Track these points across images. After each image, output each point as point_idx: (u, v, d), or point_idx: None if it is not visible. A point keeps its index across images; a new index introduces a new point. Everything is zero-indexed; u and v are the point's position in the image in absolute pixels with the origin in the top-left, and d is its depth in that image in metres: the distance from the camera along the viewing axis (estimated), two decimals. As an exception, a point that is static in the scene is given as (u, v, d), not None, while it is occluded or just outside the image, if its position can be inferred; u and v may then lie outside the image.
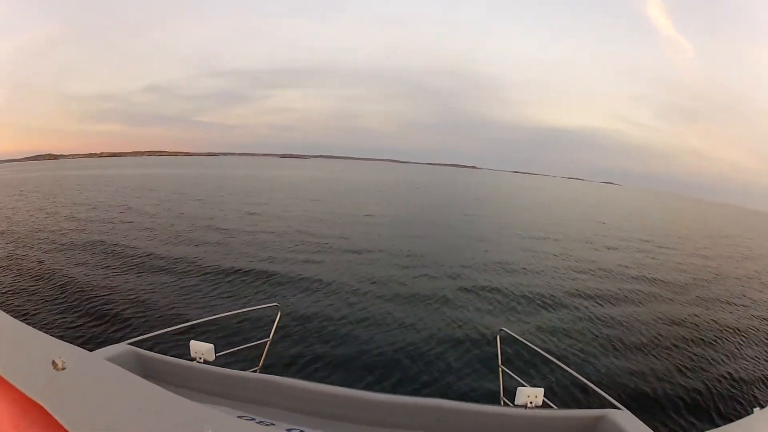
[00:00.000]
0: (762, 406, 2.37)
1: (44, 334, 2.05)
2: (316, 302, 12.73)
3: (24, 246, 18.84)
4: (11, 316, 2.11)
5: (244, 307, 5.35)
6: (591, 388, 3.82)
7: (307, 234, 23.62)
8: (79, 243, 19.54)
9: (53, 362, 1.69)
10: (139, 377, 1.88)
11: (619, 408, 3.14)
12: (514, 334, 5.12)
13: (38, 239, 20.26)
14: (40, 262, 16.21)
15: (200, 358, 3.64)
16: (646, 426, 2.84)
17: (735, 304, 16.87)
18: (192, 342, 3.73)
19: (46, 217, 27.12)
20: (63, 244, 19.23)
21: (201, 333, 8.67)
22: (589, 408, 3.16)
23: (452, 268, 18.04)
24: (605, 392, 3.60)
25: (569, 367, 4.35)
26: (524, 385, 3.50)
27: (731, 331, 13.66)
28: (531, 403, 3.31)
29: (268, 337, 4.86)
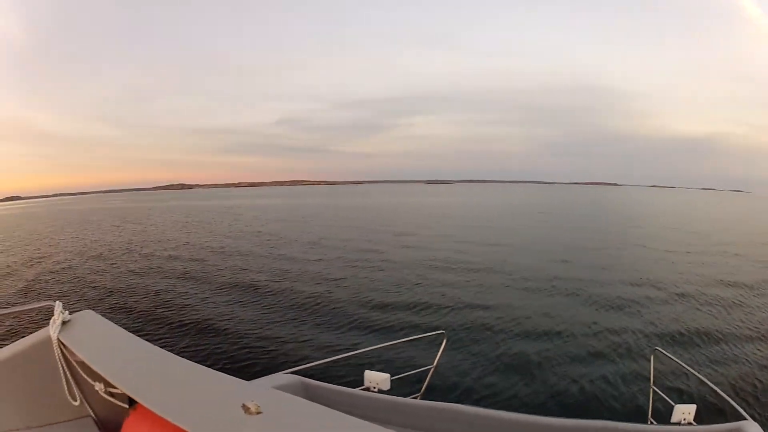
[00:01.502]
0: None
1: (206, 368, 2.18)
2: (481, 329, 12.64)
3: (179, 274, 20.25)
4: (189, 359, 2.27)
5: (409, 335, 5.42)
6: (728, 402, 3.75)
7: (470, 260, 23.40)
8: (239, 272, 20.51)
9: (244, 406, 1.70)
10: (338, 411, 1.84)
11: (747, 419, 3.13)
12: (668, 354, 5.12)
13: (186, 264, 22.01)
14: (189, 292, 17.16)
15: (374, 387, 3.77)
16: None
17: None
18: (367, 372, 3.88)
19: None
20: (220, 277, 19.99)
21: (361, 361, 8.97)
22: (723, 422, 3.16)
23: (608, 287, 17.56)
24: (737, 403, 3.56)
25: (713, 382, 4.32)
26: (673, 405, 3.52)
27: None
28: (684, 420, 3.36)
29: (432, 363, 4.86)
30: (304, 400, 1.98)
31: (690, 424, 3.38)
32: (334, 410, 1.84)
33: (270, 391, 2.06)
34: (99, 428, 2.78)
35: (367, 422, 1.74)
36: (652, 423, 4.40)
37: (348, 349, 5.44)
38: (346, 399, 3.43)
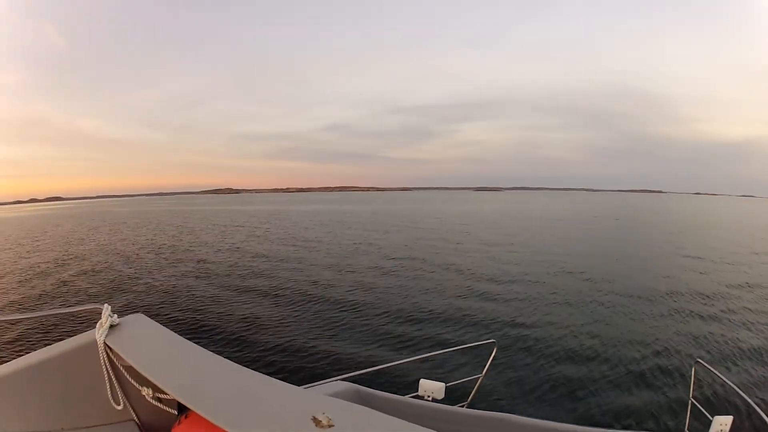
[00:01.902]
0: None
1: (266, 377, 2.18)
2: (530, 340, 12.70)
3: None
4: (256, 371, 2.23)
5: (460, 344, 5.48)
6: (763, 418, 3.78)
7: (520, 269, 23.55)
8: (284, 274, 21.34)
9: (314, 419, 1.70)
10: (404, 421, 1.85)
11: None
12: (709, 367, 5.02)
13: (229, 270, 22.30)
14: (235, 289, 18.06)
15: (428, 396, 3.75)
16: None
17: None
18: (422, 380, 3.87)
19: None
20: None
21: (411, 369, 9.06)
22: None
23: (649, 298, 17.53)
24: None
25: (753, 400, 4.41)
26: (711, 418, 3.64)
27: None
28: (721, 431, 3.42)
29: (482, 372, 4.88)
30: (373, 410, 1.94)
31: None
32: (402, 420, 1.85)
33: (339, 402, 2.00)
34: None
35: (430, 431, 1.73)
36: None
37: (398, 358, 5.55)
38: (398, 407, 3.42)
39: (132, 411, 2.85)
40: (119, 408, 2.80)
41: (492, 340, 5.15)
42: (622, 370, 10.76)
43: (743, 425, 7.44)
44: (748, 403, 4.24)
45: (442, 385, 3.78)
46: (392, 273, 21.77)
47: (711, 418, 3.71)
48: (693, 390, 5.08)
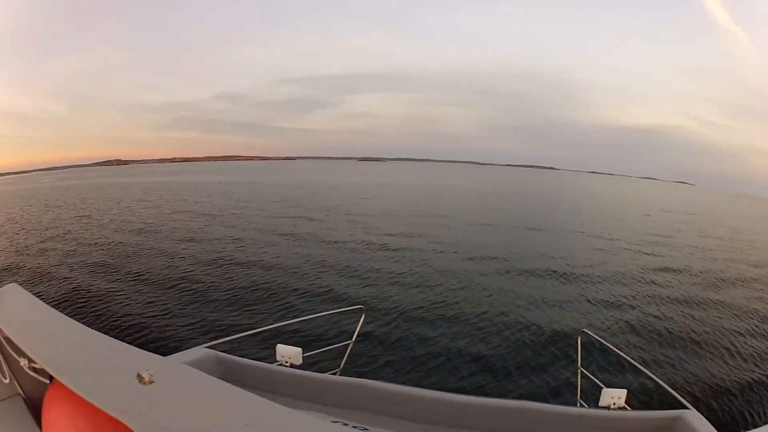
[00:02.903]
0: None
1: (123, 344, 2.15)
2: (400, 304, 12.77)
3: (87, 250, 19.77)
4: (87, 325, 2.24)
5: (328, 310, 5.33)
6: (665, 389, 3.85)
7: (392, 236, 23.74)
8: (149, 247, 20.40)
9: (139, 375, 1.74)
10: (231, 384, 1.89)
11: (689, 408, 3.17)
12: (595, 336, 5.12)
13: (99, 244, 21.15)
14: (108, 266, 16.91)
15: (286, 362, 3.68)
16: (714, 428, 2.87)
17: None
18: (279, 346, 3.76)
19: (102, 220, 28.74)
20: (129, 249, 19.98)
21: (281, 336, 8.72)
22: (662, 409, 3.18)
23: (530, 267, 18.04)
24: (678, 393, 3.58)
25: (645, 368, 4.33)
26: (602, 387, 3.47)
27: None
28: (614, 404, 3.30)
29: (351, 339, 4.83)
30: (198, 371, 2.02)
31: (623, 408, 3.34)
32: (223, 381, 1.94)
33: (165, 361, 2.11)
34: (27, 406, 2.61)
35: (248, 392, 1.82)
36: (581, 405, 4.42)
37: (266, 324, 5.34)
38: (257, 373, 3.49)
39: (17, 383, 2.64)
40: (6, 381, 2.61)
41: (360, 306, 5.12)
42: (501, 338, 10.84)
43: (631, 389, 7.49)
44: (636, 367, 4.43)
45: (298, 350, 3.72)
46: (255, 245, 21.17)
47: (601, 386, 3.63)
48: (581, 359, 5.06)
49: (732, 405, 8.53)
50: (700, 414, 3.05)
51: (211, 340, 3.89)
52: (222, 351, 3.62)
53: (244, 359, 3.57)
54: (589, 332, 5.18)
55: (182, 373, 2.01)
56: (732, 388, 9.14)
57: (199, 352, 3.48)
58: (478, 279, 15.95)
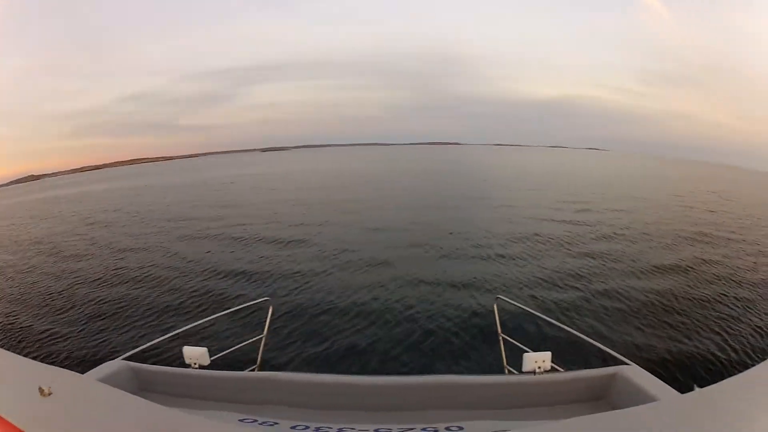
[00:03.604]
0: None
1: (31, 360, 2.19)
2: (308, 293, 12.68)
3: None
4: None
5: (234, 306, 5.25)
6: (598, 347, 3.88)
7: (289, 226, 23.57)
8: (49, 261, 19.34)
9: (39, 388, 1.74)
10: (131, 394, 1.92)
11: (629, 364, 3.21)
12: (511, 301, 5.17)
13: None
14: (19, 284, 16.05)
15: (195, 364, 3.60)
16: (657, 378, 2.90)
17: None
18: (185, 348, 3.67)
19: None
20: (34, 265, 18.90)
21: (196, 338, 8.73)
22: (601, 367, 3.22)
23: (437, 244, 18.28)
24: (614, 350, 3.63)
25: (573, 329, 4.35)
26: (529, 351, 3.45)
27: (731, 280, 14.01)
28: (539, 368, 3.29)
29: (263, 333, 4.81)
30: (100, 383, 2.12)
31: (552, 370, 3.34)
32: (122, 391, 1.98)
33: (69, 374, 2.15)
34: None
35: (145, 400, 1.86)
36: (510, 372, 4.41)
37: (174, 329, 5.22)
38: (169, 379, 3.44)
39: None
40: None
41: (266, 298, 5.28)
42: (417, 316, 10.88)
43: (560, 350, 7.53)
44: (562, 328, 4.53)
45: (204, 350, 3.66)
46: (155, 251, 20.14)
47: (527, 350, 3.54)
48: (500, 326, 5.04)
49: (673, 360, 8.82)
50: (640, 368, 3.08)
51: (127, 351, 3.79)
52: (139, 361, 3.54)
53: (158, 367, 3.52)
54: (504, 298, 5.30)
55: (85, 386, 2.08)
56: (669, 344, 9.47)
57: (115, 365, 3.37)
58: (389, 260, 15.96)
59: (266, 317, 4.88)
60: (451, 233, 20.60)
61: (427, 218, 24.68)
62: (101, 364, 3.42)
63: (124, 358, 3.56)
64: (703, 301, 11.98)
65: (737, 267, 15.44)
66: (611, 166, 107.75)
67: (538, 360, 3.30)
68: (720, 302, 11.90)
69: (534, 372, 3.27)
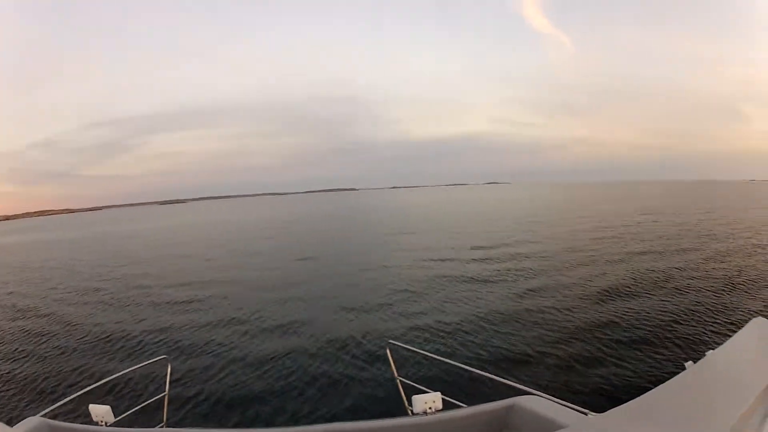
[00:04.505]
0: (694, 361, 2.58)
1: None
2: (206, 347, 12.57)
3: None
4: None
5: (134, 365, 5.19)
6: (498, 380, 3.93)
7: (184, 283, 22.91)
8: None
9: None
10: None
11: (530, 393, 3.28)
12: (403, 345, 5.30)
13: None
14: None
15: (101, 422, 3.58)
16: (562, 404, 3.01)
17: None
18: (91, 406, 3.66)
19: None
20: None
21: (100, 395, 8.67)
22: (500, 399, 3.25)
23: (328, 292, 18.48)
24: (513, 381, 3.71)
25: (470, 365, 4.52)
26: (424, 392, 3.47)
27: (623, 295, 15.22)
28: (430, 408, 3.29)
29: (165, 391, 4.80)
30: None
31: (448, 408, 3.34)
32: None
33: None
34: None
35: None
36: (412, 413, 4.49)
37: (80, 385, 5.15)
38: None
39: None
40: None
41: (164, 356, 5.28)
42: (315, 364, 10.91)
43: (457, 387, 7.76)
44: (452, 365, 4.50)
45: (107, 408, 3.60)
46: (54, 311, 18.87)
47: (426, 390, 3.61)
48: (395, 369, 5.04)
49: (577, 385, 9.05)
50: (542, 396, 3.15)
51: (43, 408, 3.73)
52: (54, 417, 3.46)
53: (72, 424, 3.44)
54: (396, 342, 5.36)
55: None
56: (571, 371, 9.75)
57: (33, 422, 3.31)
58: (283, 313, 15.81)
59: (166, 374, 4.91)
60: (339, 282, 20.68)
61: (316, 269, 24.61)
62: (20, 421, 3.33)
63: (42, 415, 3.48)
64: (600, 326, 12.42)
65: (631, 288, 16.35)
66: (506, 197, 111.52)
67: (428, 401, 3.30)
68: (616, 325, 12.43)
69: (425, 413, 3.26)
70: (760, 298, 14.55)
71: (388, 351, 5.30)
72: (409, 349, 5.18)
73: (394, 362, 5.19)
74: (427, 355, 4.87)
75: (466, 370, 4.34)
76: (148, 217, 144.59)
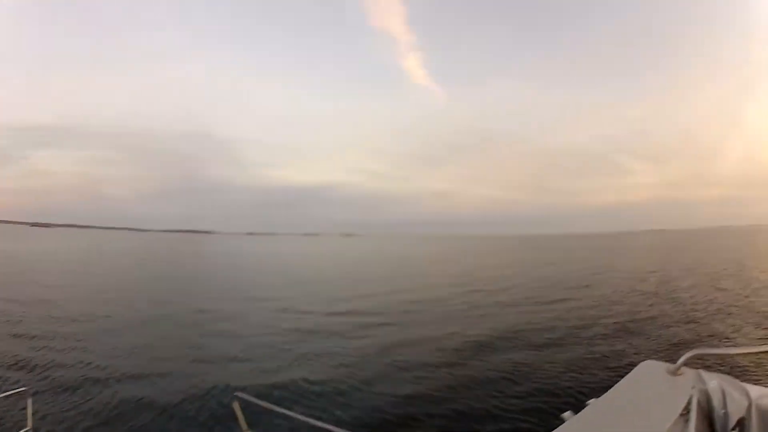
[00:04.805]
0: (575, 411, 2.64)
1: None
2: (69, 383, 12.15)
3: None
4: None
5: None
6: None
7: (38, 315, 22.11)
8: None
9: None
10: None
11: None
12: (249, 398, 4.87)
13: None
14: None
15: None
16: None
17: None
18: None
19: None
20: None
21: None
22: None
23: (171, 342, 17.79)
24: None
25: (319, 420, 4.66)
26: None
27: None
28: None
29: (28, 427, 4.57)
30: None
31: None
32: None
33: None
34: None
35: None
36: None
37: None
38: None
39: None
40: None
41: (23, 388, 5.07)
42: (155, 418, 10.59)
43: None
44: (300, 420, 4.38)
45: None
46: None
47: None
48: (245, 424, 4.82)
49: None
50: None
51: None
52: None
53: None
54: (243, 395, 4.91)
55: None
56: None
57: None
58: (117, 357, 15.33)
59: (26, 408, 4.71)
60: (185, 334, 19.64)
61: (164, 318, 23.24)
62: None
63: None
64: (465, 381, 12.49)
65: (499, 339, 16.92)
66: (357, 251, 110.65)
67: None
68: (485, 377, 12.73)
69: None
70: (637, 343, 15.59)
71: (235, 404, 5.04)
72: (256, 402, 4.63)
73: (242, 416, 4.99)
74: (273, 409, 4.49)
75: (314, 425, 4.41)
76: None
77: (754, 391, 2.87)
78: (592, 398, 2.72)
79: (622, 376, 2.95)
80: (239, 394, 4.94)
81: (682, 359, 3.00)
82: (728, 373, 3.05)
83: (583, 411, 2.54)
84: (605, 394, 2.68)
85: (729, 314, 20.06)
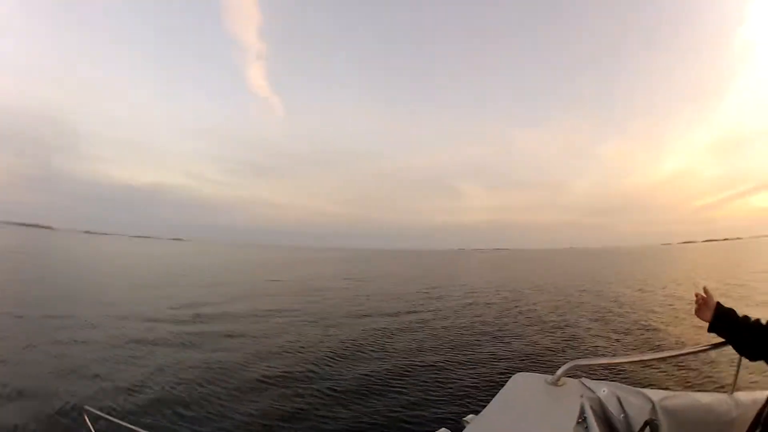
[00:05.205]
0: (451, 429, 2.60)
1: None
2: None
3: None
4: None
5: None
6: None
7: None
8: None
9: None
10: None
11: None
12: (101, 413, 4.41)
13: None
14: None
15: None
16: None
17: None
18: None
19: None
20: None
21: None
22: None
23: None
24: None
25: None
26: None
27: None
28: None
29: None
30: None
31: None
32: None
33: None
34: None
35: None
36: None
37: None
38: None
39: None
40: None
41: None
42: None
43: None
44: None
45: None
46: None
47: None
48: None
49: None
50: None
51: None
52: None
53: None
54: (93, 409, 4.41)
55: None
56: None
57: None
58: None
59: None
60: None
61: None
62: None
63: None
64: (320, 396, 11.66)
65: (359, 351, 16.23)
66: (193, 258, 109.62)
67: None
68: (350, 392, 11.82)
69: None
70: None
71: (86, 418, 4.44)
72: (109, 419, 4.17)
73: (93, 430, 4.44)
74: (125, 426, 4.27)
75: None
76: None
77: (654, 394, 3.07)
78: (469, 414, 2.75)
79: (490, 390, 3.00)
80: (89, 408, 4.50)
81: (560, 370, 3.09)
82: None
83: (466, 430, 2.46)
84: (485, 410, 2.65)
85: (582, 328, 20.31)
